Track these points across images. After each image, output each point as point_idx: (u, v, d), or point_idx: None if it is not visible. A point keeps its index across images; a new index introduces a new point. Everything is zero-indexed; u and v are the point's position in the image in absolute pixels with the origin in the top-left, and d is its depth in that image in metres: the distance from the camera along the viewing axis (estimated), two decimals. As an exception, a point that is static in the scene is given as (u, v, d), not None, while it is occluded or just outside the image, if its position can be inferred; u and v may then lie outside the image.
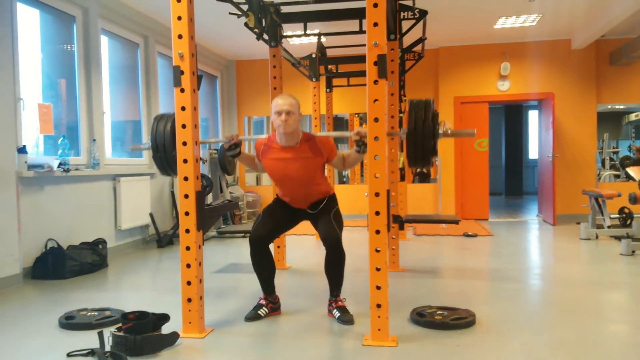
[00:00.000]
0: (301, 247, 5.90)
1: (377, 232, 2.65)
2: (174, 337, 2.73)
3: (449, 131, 3.01)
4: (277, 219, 3.27)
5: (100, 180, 5.35)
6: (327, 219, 3.14)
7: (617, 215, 7.00)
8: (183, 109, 2.82)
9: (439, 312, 3.08)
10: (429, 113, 3.00)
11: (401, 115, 5.83)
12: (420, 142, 2.99)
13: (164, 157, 3.20)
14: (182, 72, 2.80)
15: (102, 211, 5.41)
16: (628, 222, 6.83)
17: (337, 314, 3.10)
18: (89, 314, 3.18)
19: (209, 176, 7.04)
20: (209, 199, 6.99)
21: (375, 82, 2.61)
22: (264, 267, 3.22)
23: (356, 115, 9.43)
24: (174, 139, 2.96)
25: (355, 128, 2.92)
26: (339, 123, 9.44)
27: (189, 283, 2.86)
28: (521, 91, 8.24)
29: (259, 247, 3.16)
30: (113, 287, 4.33)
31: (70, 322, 3.04)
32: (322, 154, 3.13)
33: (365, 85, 2.70)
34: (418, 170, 9.01)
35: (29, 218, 4.39)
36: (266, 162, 3.21)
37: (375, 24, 2.59)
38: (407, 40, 5.57)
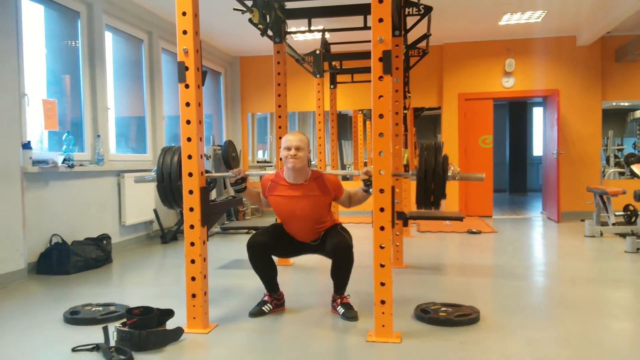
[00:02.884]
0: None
1: (382, 228, 2.65)
2: (178, 332, 2.74)
3: (458, 176, 3.02)
4: (282, 238, 3.24)
5: (104, 176, 5.36)
6: (335, 232, 3.14)
7: (622, 213, 6.96)
8: (187, 104, 2.82)
9: (443, 308, 3.07)
10: (440, 158, 3.01)
11: (405, 111, 5.82)
12: (430, 189, 3.01)
13: (169, 187, 3.18)
14: (186, 68, 2.79)
15: (107, 207, 5.42)
16: (633, 219, 6.80)
17: (341, 310, 3.10)
18: (93, 309, 3.19)
19: (213, 172, 7.05)
20: (213, 195, 6.99)
21: (380, 78, 2.60)
22: (265, 269, 3.20)
23: (360, 112, 9.42)
24: (180, 170, 2.94)
25: (364, 168, 2.94)
26: (343, 120, 9.43)
27: (193, 279, 2.86)
28: (526, 88, 8.21)
29: (256, 251, 3.12)
30: (117, 283, 4.34)
31: (75, 317, 3.05)
32: (329, 193, 3.14)
33: (369, 81, 2.70)
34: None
35: (34, 213, 4.40)
36: (273, 199, 3.21)
37: (381, 20, 2.58)
38: (412, 37, 5.55)
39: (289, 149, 3.03)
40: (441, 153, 3.04)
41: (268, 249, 3.16)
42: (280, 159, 3.15)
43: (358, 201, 3.21)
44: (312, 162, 7.90)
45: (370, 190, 2.90)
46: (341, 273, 3.12)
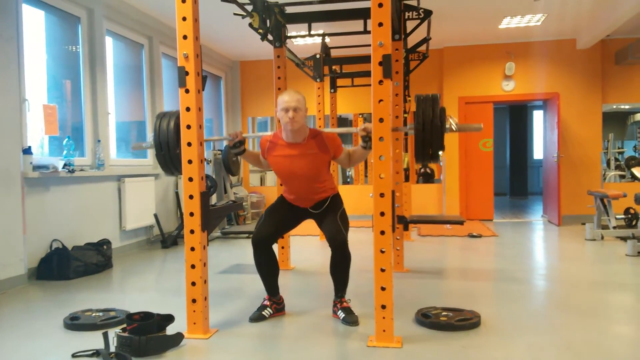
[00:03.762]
0: (305, 247, 5.90)
1: (382, 232, 2.65)
2: (178, 337, 2.73)
3: (456, 127, 2.99)
4: (279, 219, 3.25)
5: (105, 181, 5.36)
6: (333, 219, 3.12)
7: (623, 216, 6.96)
8: (188, 109, 2.82)
9: (444, 313, 3.07)
10: (437, 109, 2.98)
11: (405, 115, 5.82)
12: (428, 139, 2.97)
13: (168, 155, 3.17)
14: (187, 73, 2.79)
15: (107, 212, 5.41)
16: (634, 222, 6.80)
17: (341, 314, 3.09)
18: (93, 314, 3.18)
19: (213, 177, 7.05)
20: (213, 199, 6.99)
21: (380, 82, 2.60)
22: (267, 268, 3.21)
23: (360, 116, 9.42)
24: (178, 137, 2.93)
25: (362, 124, 2.90)
26: (343, 124, 9.43)
27: (193, 284, 2.86)
28: (526, 91, 8.22)
29: (262, 248, 3.14)
30: (118, 288, 4.33)
31: (75, 323, 3.05)
32: (328, 151, 3.11)
33: (369, 85, 2.69)
34: (422, 170, 9.01)
35: (34, 219, 4.40)
36: (272, 160, 3.19)
37: (380, 24, 2.58)
38: (412, 40, 5.55)
39: (286, 110, 2.99)
40: (438, 105, 3.00)
41: (273, 239, 3.18)
42: (278, 121, 3.12)
43: (357, 159, 3.18)
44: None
45: (370, 146, 2.85)
46: (338, 269, 3.12)
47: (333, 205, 3.21)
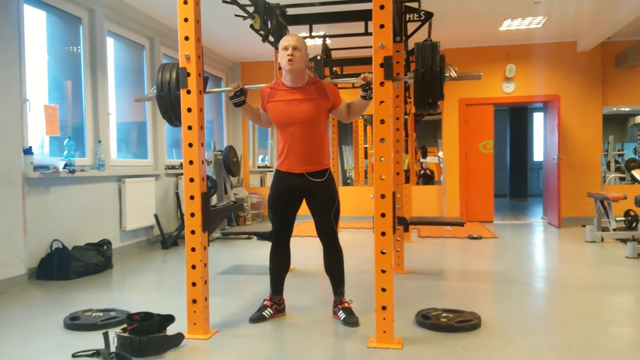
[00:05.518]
0: (305, 248, 5.90)
1: (383, 234, 2.65)
2: (179, 338, 2.73)
3: (456, 75, 2.96)
4: (281, 209, 3.17)
5: (105, 181, 5.37)
6: (328, 215, 3.10)
7: (623, 218, 6.96)
8: (189, 110, 2.83)
9: (444, 314, 3.07)
10: (436, 57, 2.96)
11: (406, 117, 5.82)
12: (428, 87, 2.92)
13: (168, 97, 3.10)
14: (188, 74, 2.80)
15: (107, 212, 5.42)
16: (634, 225, 6.80)
17: (342, 315, 3.10)
18: (94, 314, 3.19)
19: (214, 177, 7.05)
20: (214, 200, 6.99)
21: (382, 84, 2.61)
22: (281, 264, 3.25)
23: (361, 117, 9.43)
24: (178, 83, 2.92)
25: (361, 74, 2.87)
26: (344, 125, 9.44)
27: (194, 284, 2.86)
28: (526, 93, 8.22)
29: (283, 243, 3.22)
30: (118, 288, 4.33)
31: (75, 323, 3.05)
32: (328, 98, 3.06)
33: (370, 87, 2.70)
34: (422, 172, 9.01)
35: (35, 219, 4.40)
36: (272, 106, 3.09)
37: (382, 26, 2.59)
38: (412, 42, 5.55)
39: (286, 48, 2.97)
40: (438, 53, 2.95)
41: (288, 230, 3.21)
42: (279, 68, 3.10)
43: (356, 110, 3.15)
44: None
45: (370, 95, 2.82)
46: (331, 264, 3.17)
47: (328, 185, 3.11)
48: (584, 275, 4.56)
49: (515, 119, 13.28)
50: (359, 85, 2.95)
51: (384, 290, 2.66)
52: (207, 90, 3.04)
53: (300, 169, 3.08)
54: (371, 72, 2.67)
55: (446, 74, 2.92)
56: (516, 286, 4.06)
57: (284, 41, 3.00)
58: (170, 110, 3.17)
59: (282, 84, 3.11)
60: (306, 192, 3.13)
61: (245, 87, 3.12)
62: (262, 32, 4.16)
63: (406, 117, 5.94)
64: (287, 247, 3.26)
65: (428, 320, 2.98)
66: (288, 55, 2.95)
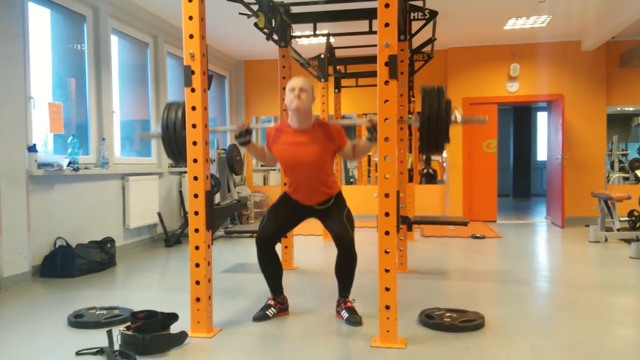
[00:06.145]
0: (308, 247, 5.90)
1: (387, 233, 2.65)
2: (182, 336, 2.73)
3: (461, 119, 2.99)
4: (282, 217, 3.21)
5: (109, 179, 5.37)
6: (339, 218, 3.10)
7: (627, 218, 6.94)
8: (194, 108, 2.83)
9: (447, 314, 3.06)
10: (442, 101, 2.98)
11: (410, 116, 5.81)
12: (434, 131, 2.97)
13: (174, 137, 3.15)
14: (192, 72, 2.80)
15: (111, 210, 5.43)
16: (638, 225, 6.78)
17: (345, 315, 3.10)
18: (97, 312, 3.19)
19: (217, 176, 7.06)
20: (217, 198, 7.00)
21: (386, 82, 2.60)
22: (271, 268, 3.21)
23: (364, 116, 9.42)
24: (184, 121, 2.93)
25: (367, 116, 2.91)
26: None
27: (197, 282, 2.86)
28: (530, 92, 8.20)
29: (266, 247, 3.14)
30: (121, 286, 4.34)
31: (79, 321, 3.05)
32: (334, 140, 3.08)
33: (374, 85, 2.70)
34: (425, 171, 8.99)
35: (39, 216, 4.41)
36: (277, 148, 3.14)
37: (387, 25, 2.58)
38: (417, 41, 5.55)
39: (293, 89, 3.00)
40: (444, 97, 3.00)
41: (276, 238, 3.17)
42: (285, 109, 3.11)
43: (362, 151, 3.18)
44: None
45: (375, 137, 2.83)
46: (343, 269, 3.11)
47: (337, 203, 3.18)
48: (588, 276, 4.55)
49: (519, 119, 13.26)
50: (365, 127, 2.96)
51: (387, 289, 2.65)
52: (211, 129, 3.04)
53: (309, 203, 3.20)
54: (376, 114, 2.68)
55: (452, 119, 2.94)
56: (520, 286, 4.06)
57: (291, 83, 3.04)
58: (175, 150, 3.21)
59: (288, 125, 3.14)
60: (315, 214, 3.24)
61: (251, 126, 3.15)
62: (266, 30, 4.15)
63: (410, 116, 5.93)
64: (274, 252, 3.19)
65: (431, 320, 2.98)
66: (295, 96, 2.98)
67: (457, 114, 2.97)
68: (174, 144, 3.19)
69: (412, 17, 4.60)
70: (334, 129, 3.11)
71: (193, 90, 2.82)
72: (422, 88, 3.07)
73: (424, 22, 4.65)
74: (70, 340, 2.82)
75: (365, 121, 2.91)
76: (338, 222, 3.09)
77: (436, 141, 3.00)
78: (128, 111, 6.34)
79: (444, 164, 8.34)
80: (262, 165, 9.73)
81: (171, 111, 3.20)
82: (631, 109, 8.81)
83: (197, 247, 2.86)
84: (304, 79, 3.06)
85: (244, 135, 3.12)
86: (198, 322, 2.88)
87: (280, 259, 3.29)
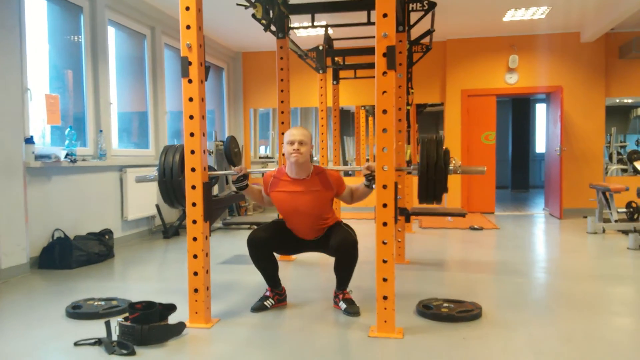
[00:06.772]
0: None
1: (385, 224, 2.65)
2: (180, 327, 2.74)
3: (459, 169, 3.03)
4: (282, 235, 3.23)
5: (106, 171, 5.37)
6: (339, 229, 3.13)
7: (625, 210, 6.96)
8: (191, 99, 2.82)
9: (445, 304, 3.08)
10: (441, 151, 3.01)
11: (408, 107, 5.80)
12: (432, 182, 3.02)
13: (170, 183, 3.16)
14: (190, 63, 2.79)
15: (109, 202, 5.42)
16: (635, 216, 6.80)
17: (343, 305, 3.11)
18: (95, 303, 3.20)
19: (215, 168, 7.05)
20: (215, 190, 6.99)
21: (384, 73, 2.59)
22: (265, 265, 3.21)
23: (362, 108, 9.41)
24: (182, 166, 2.95)
25: (365, 163, 2.96)
26: (346, 116, 9.42)
27: (195, 274, 2.87)
28: (529, 84, 8.19)
29: (257, 247, 3.13)
30: (120, 277, 4.34)
31: (77, 312, 3.06)
32: (332, 188, 3.13)
33: (372, 77, 2.69)
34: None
35: (36, 208, 4.41)
36: (275, 195, 3.19)
37: (385, 15, 2.57)
38: (415, 32, 5.53)
39: (292, 143, 3.02)
40: (442, 147, 3.04)
41: (268, 245, 3.16)
42: (283, 154, 3.14)
43: (360, 197, 3.20)
44: (315, 158, 7.91)
45: (373, 185, 2.88)
46: (345, 269, 3.12)
47: (333, 225, 3.21)
48: (585, 267, 4.56)
49: (517, 110, 13.24)
50: (363, 174, 3.01)
51: (385, 280, 2.66)
52: (212, 173, 3.03)
53: (306, 238, 3.26)
54: (374, 162, 2.69)
55: (450, 168, 2.97)
56: (517, 277, 4.07)
57: (290, 135, 3.04)
58: (172, 195, 3.21)
59: (285, 174, 3.16)
60: (313, 248, 3.31)
61: (249, 171, 3.17)
62: (264, 21, 4.13)
63: (408, 107, 5.92)
64: (266, 250, 3.18)
65: (429, 310, 2.99)
66: (294, 149, 3.00)
67: (455, 164, 3.01)
68: (171, 189, 3.19)
69: (410, 9, 4.58)
70: (331, 177, 3.15)
71: (190, 81, 2.80)
72: (420, 137, 3.09)
73: (423, 13, 4.63)
74: (69, 331, 2.83)
75: (363, 168, 2.98)
76: (337, 231, 3.11)
77: (434, 191, 3.04)
78: (125, 103, 6.32)
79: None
80: (260, 158, 9.72)
81: (168, 155, 3.20)
82: (630, 100, 8.80)
83: (194, 239, 2.86)
84: (302, 131, 3.06)
85: (242, 180, 3.13)
86: (196, 312, 2.89)
87: (274, 255, 3.28)
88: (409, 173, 3.14)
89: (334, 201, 3.28)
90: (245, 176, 3.15)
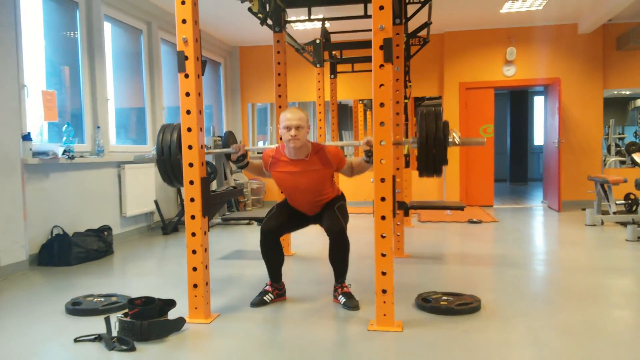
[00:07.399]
0: (306, 233, 5.87)
1: (383, 218, 2.65)
2: (180, 322, 2.74)
3: (459, 140, 3.01)
4: (289, 215, 3.29)
5: (104, 167, 5.36)
6: (331, 212, 3.16)
7: (623, 202, 6.97)
8: (187, 94, 2.81)
9: (444, 297, 3.08)
10: (440, 123, 2.99)
11: (406, 101, 5.80)
12: (432, 154, 3.00)
13: (169, 161, 3.17)
14: (186, 58, 2.77)
15: (107, 198, 5.42)
16: (634, 208, 6.80)
17: (342, 299, 3.11)
18: (95, 299, 3.20)
19: (213, 163, 7.04)
20: (214, 185, 6.99)
21: (381, 66, 2.59)
22: (273, 256, 3.22)
23: (360, 102, 9.39)
24: (179, 144, 2.94)
25: (365, 138, 2.94)
26: (343, 110, 9.40)
27: (194, 269, 2.87)
28: (527, 76, 8.18)
29: (270, 238, 3.16)
30: (119, 274, 4.34)
31: (76, 308, 3.06)
32: (331, 165, 3.15)
33: (369, 71, 2.68)
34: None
35: (35, 205, 4.40)
36: (275, 175, 3.23)
37: (381, 7, 2.56)
38: (412, 25, 5.52)
39: (288, 128, 3.01)
40: (441, 119, 3.01)
41: (280, 232, 3.21)
42: (280, 138, 3.14)
43: (359, 171, 3.23)
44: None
45: (371, 160, 2.86)
46: (338, 257, 3.13)
47: (332, 201, 3.25)
48: (584, 258, 4.57)
49: (515, 103, 13.23)
50: (363, 150, 3.01)
51: (384, 273, 2.66)
52: (208, 151, 3.03)
53: (308, 213, 3.33)
54: (372, 137, 2.69)
55: (449, 140, 2.95)
56: (516, 269, 4.08)
57: (285, 120, 3.02)
58: (171, 174, 3.22)
59: (283, 154, 3.18)
60: (315, 221, 3.37)
61: (247, 148, 3.21)
62: (260, 15, 4.11)
63: (406, 100, 5.92)
64: (278, 241, 3.22)
65: (428, 304, 2.99)
66: (291, 135, 3.01)
67: (455, 136, 2.99)
68: (169, 167, 3.19)
69: (407, 1, 4.57)
70: (330, 153, 3.16)
71: (187, 75, 2.79)
72: (419, 109, 3.07)
73: (420, 5, 4.61)
74: (68, 327, 2.83)
75: (362, 143, 2.98)
76: (330, 215, 3.14)
77: (434, 163, 3.03)
78: (123, 99, 6.30)
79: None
80: (259, 153, 9.70)
81: (166, 133, 3.20)
82: (628, 92, 8.79)
83: (193, 234, 2.86)
84: (298, 114, 3.04)
85: (241, 159, 3.17)
86: (196, 308, 2.89)
87: (282, 249, 3.29)
88: (411, 145, 3.10)
89: (334, 175, 3.30)
90: (244, 155, 3.18)
